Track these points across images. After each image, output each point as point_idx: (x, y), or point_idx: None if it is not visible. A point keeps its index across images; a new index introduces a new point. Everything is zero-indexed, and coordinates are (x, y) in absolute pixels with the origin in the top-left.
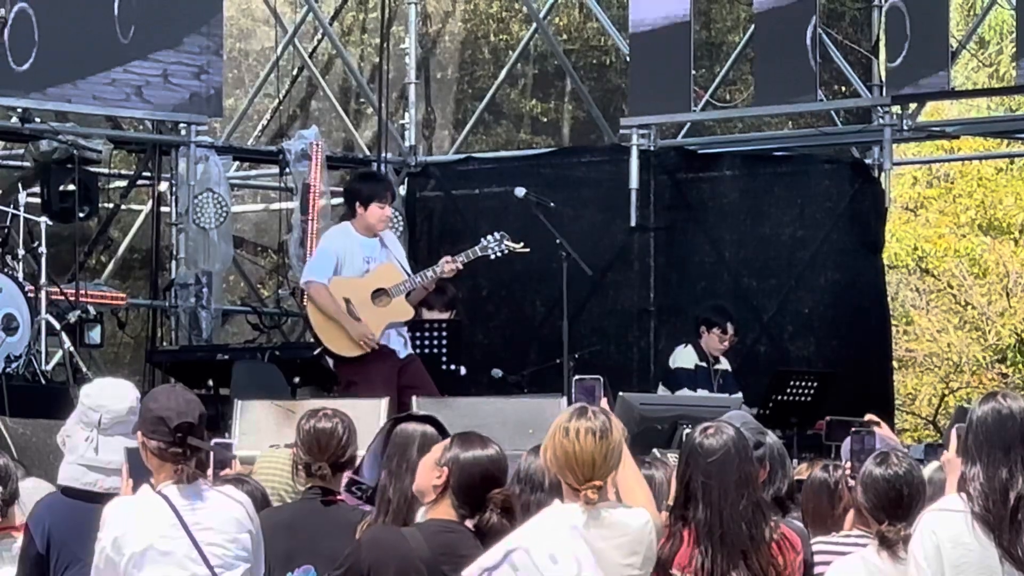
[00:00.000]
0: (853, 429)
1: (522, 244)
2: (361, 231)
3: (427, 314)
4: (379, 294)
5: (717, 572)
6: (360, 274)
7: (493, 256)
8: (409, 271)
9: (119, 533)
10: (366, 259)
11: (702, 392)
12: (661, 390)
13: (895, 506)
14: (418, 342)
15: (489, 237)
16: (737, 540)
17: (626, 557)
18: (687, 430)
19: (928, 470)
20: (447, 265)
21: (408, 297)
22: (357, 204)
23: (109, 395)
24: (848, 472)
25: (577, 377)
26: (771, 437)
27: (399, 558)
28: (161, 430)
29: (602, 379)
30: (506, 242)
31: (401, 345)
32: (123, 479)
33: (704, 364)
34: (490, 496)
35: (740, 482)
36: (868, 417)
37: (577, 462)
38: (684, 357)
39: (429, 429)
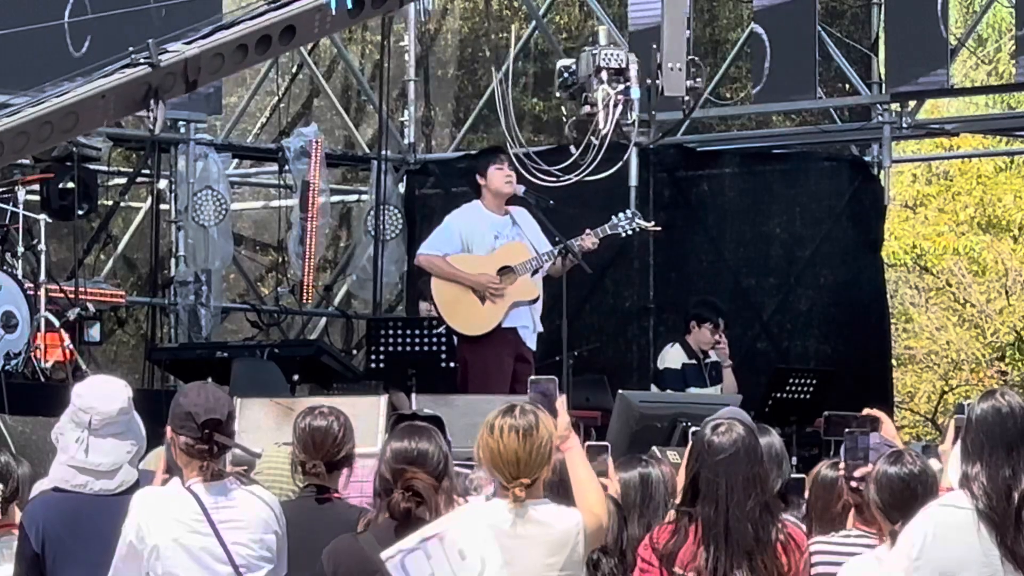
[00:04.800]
0: (847, 429)
1: (653, 223)
2: (491, 207)
3: (422, 305)
4: (505, 272)
5: (720, 571)
6: (488, 251)
7: (624, 234)
8: (539, 248)
9: (144, 523)
10: (496, 236)
11: (693, 389)
12: (653, 390)
13: (909, 506)
14: (417, 340)
15: (620, 215)
16: (742, 540)
17: (547, 556)
18: (694, 428)
19: None
20: (587, 240)
21: (534, 275)
22: (478, 177)
23: (100, 396)
24: (843, 472)
25: (532, 378)
26: (772, 436)
27: (356, 563)
28: (189, 426)
29: (556, 380)
30: (637, 220)
31: (529, 320)
32: (159, 470)
33: (694, 361)
34: (400, 478)
35: (748, 482)
36: (867, 411)
37: (502, 460)
38: (671, 357)
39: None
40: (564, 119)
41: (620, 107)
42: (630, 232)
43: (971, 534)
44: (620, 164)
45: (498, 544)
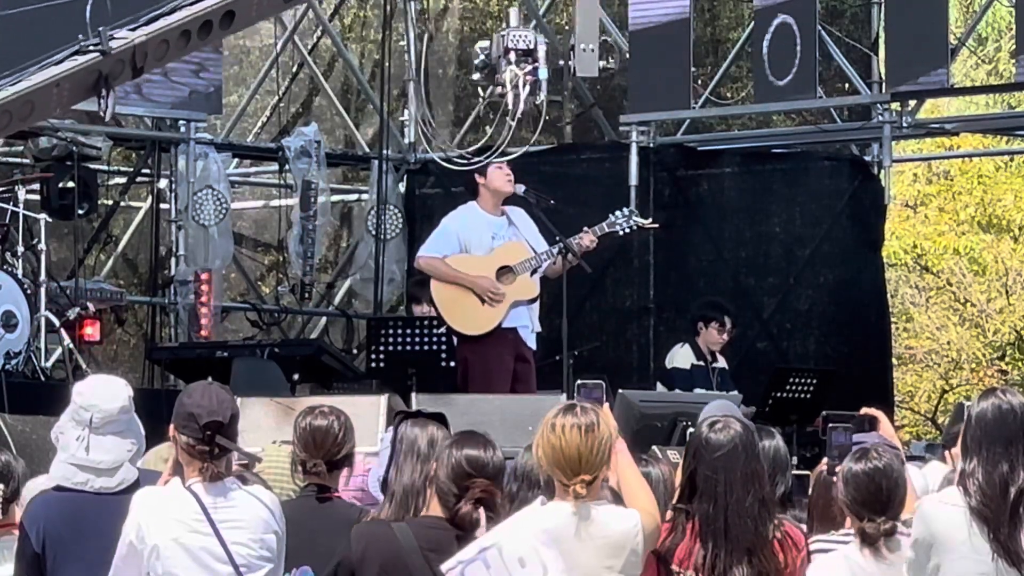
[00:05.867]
0: (831, 425)
1: (650, 220)
2: (488, 207)
3: (416, 309)
4: (504, 272)
5: (719, 568)
6: (487, 252)
7: (622, 232)
8: (537, 248)
9: (144, 523)
10: (493, 236)
11: (700, 390)
12: (660, 388)
13: (875, 500)
14: (417, 340)
15: (618, 213)
16: (742, 536)
17: (606, 559)
18: (691, 427)
19: (927, 469)
20: (586, 238)
21: (533, 274)
22: (477, 176)
23: (101, 394)
24: (824, 469)
25: (580, 382)
26: (776, 439)
27: (387, 551)
28: (191, 426)
29: (603, 384)
30: (635, 218)
31: (528, 320)
32: (166, 471)
33: (702, 363)
34: (467, 486)
35: (746, 478)
36: (864, 410)
37: (564, 457)
38: (680, 357)
39: (434, 425)
40: (478, 112)
41: (528, 87)
42: (628, 230)
43: (962, 532)
44: (542, 143)
45: (560, 548)
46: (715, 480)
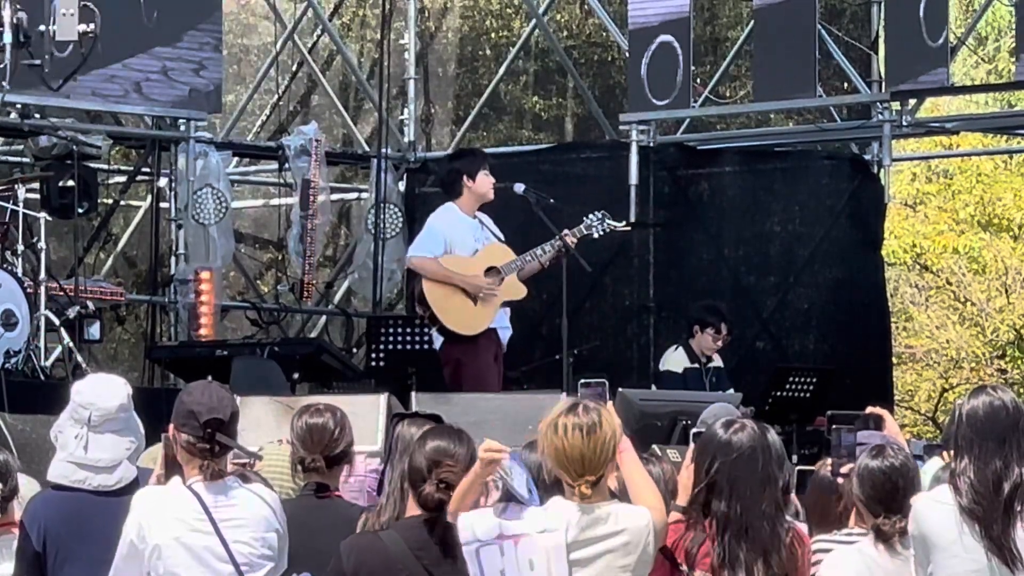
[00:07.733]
0: (833, 426)
1: (624, 223)
2: (466, 209)
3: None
4: (491, 272)
5: (736, 569)
6: (471, 253)
7: (596, 235)
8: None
9: (145, 522)
10: (475, 238)
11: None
12: (653, 390)
13: (891, 498)
14: (417, 338)
15: (591, 216)
16: (759, 538)
17: (622, 558)
18: (696, 429)
19: (931, 467)
20: (568, 238)
21: (519, 275)
22: (464, 179)
23: (100, 392)
24: (828, 469)
25: (582, 381)
26: (772, 434)
27: (380, 560)
28: (191, 424)
29: (607, 383)
30: (608, 221)
31: (505, 321)
32: (158, 467)
33: (696, 365)
34: (432, 471)
35: (765, 479)
36: (870, 409)
37: (567, 458)
38: (672, 360)
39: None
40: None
41: None
42: (602, 232)
43: (953, 531)
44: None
45: (573, 550)
46: (736, 482)
